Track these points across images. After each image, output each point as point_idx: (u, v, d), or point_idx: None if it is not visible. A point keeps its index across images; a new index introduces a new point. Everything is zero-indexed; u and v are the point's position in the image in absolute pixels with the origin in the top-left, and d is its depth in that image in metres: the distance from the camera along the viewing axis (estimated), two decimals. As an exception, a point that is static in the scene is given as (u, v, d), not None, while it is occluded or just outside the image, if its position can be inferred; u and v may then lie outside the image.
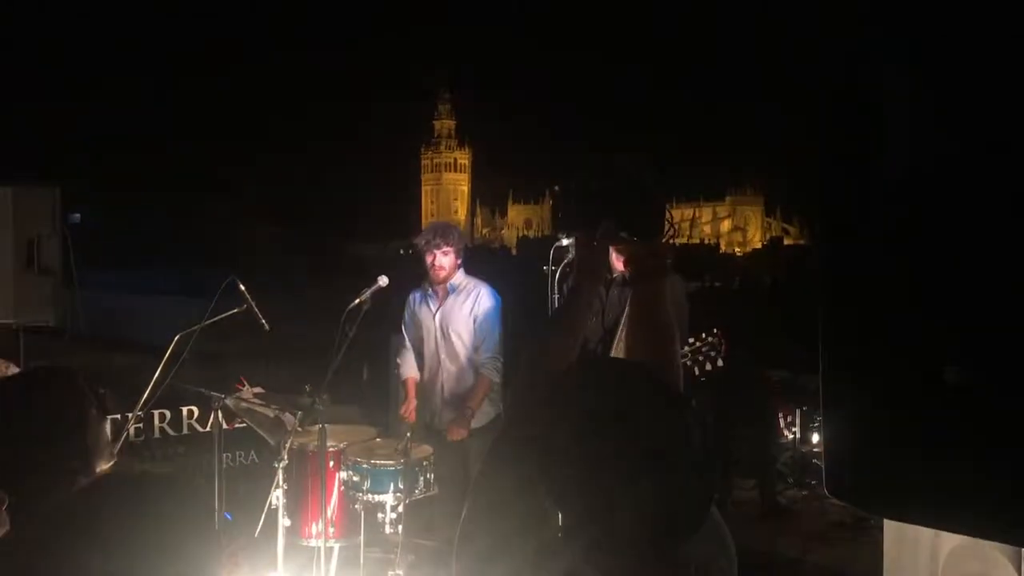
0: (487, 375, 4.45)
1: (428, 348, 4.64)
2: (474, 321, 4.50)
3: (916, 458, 1.35)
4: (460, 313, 4.53)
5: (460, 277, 4.58)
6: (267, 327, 4.32)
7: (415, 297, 4.76)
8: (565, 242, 3.44)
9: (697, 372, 3.18)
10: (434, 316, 4.60)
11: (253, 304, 4.28)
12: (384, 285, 4.31)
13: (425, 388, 4.72)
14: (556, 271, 3.43)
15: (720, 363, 3.15)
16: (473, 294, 4.54)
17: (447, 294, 4.57)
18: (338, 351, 4.10)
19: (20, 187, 4.58)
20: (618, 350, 3.51)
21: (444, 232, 4.53)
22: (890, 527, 4.19)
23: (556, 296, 3.42)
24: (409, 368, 4.83)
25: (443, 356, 4.57)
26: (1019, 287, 1.26)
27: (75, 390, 2.02)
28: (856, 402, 1.39)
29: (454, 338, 4.53)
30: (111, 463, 2.05)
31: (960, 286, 1.27)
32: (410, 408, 4.74)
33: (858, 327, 1.37)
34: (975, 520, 1.32)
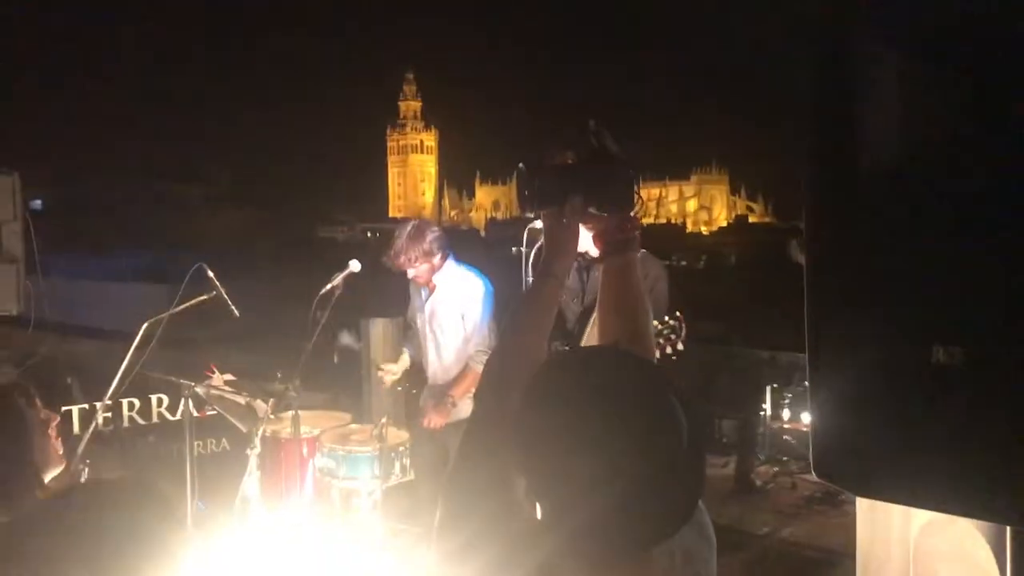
0: (474, 367, 4.36)
1: (421, 338, 4.58)
2: (462, 316, 4.39)
3: (901, 437, 1.35)
4: (448, 306, 4.42)
5: (449, 269, 4.42)
6: (236, 313, 4.25)
7: (413, 286, 4.63)
8: (539, 225, 3.41)
9: (658, 355, 3.16)
10: (423, 306, 4.51)
11: (222, 290, 4.21)
12: (356, 270, 4.26)
13: (420, 376, 4.66)
14: (530, 253, 3.38)
15: (680, 346, 3.11)
16: (461, 287, 4.41)
17: (435, 287, 4.46)
18: (310, 336, 4.06)
19: (-22, 174, 4.47)
20: (593, 332, 3.51)
21: (406, 249, 4.30)
22: (862, 501, 4.25)
23: (530, 279, 3.38)
24: (410, 349, 4.74)
25: (430, 347, 4.49)
26: (1004, 273, 1.26)
27: (11, 409, 2.00)
28: (842, 384, 1.39)
29: (439, 331, 4.45)
30: (61, 467, 2.04)
31: (947, 270, 1.27)
32: (387, 370, 4.62)
33: (844, 308, 1.37)
34: (958, 498, 1.32)
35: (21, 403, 2.02)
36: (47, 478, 2.03)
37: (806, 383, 5.01)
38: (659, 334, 3.14)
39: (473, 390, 4.30)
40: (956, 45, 1.27)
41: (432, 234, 4.38)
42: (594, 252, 3.54)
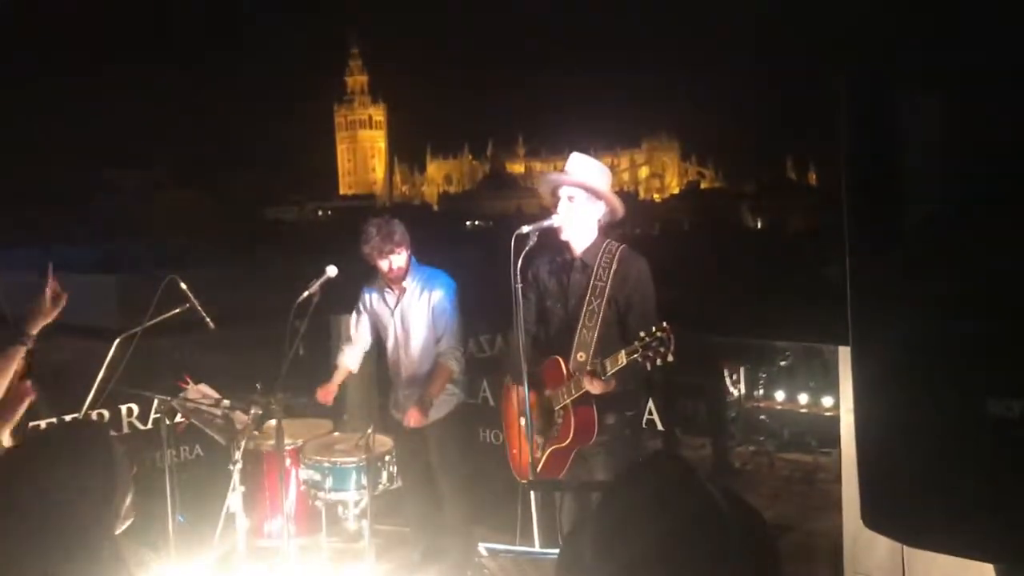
0: (446, 363, 4.35)
1: (389, 343, 4.52)
2: (432, 313, 4.38)
3: (955, 491, 1.32)
4: (417, 307, 4.41)
5: (415, 271, 4.45)
6: (212, 325, 4.15)
7: (370, 295, 4.58)
8: (526, 229, 3.35)
9: (649, 367, 3.11)
10: (392, 312, 4.47)
11: (196, 302, 4.10)
12: (332, 276, 4.16)
13: (389, 379, 4.62)
14: (518, 259, 3.31)
15: (670, 358, 3.06)
16: (428, 287, 4.41)
17: (404, 290, 4.44)
18: (289, 347, 3.96)
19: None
20: (581, 336, 3.46)
21: (391, 235, 4.31)
22: (848, 482, 4.29)
23: (519, 286, 3.33)
24: (346, 359, 4.71)
25: (402, 351, 4.46)
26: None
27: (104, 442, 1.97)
28: (893, 435, 1.36)
29: (413, 332, 4.42)
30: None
31: (1002, 323, 1.24)
32: (328, 391, 4.60)
33: (897, 362, 1.33)
34: (1013, 552, 1.30)
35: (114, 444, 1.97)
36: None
37: (782, 363, 5.03)
38: (647, 347, 3.08)
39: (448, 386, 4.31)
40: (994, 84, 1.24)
41: (400, 227, 4.40)
42: (577, 248, 3.52)
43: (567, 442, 3.45)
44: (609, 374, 3.22)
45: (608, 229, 3.64)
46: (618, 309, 3.47)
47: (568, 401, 3.42)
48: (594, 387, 3.28)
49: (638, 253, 3.59)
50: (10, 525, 1.77)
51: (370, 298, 4.59)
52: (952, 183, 1.30)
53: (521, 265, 3.31)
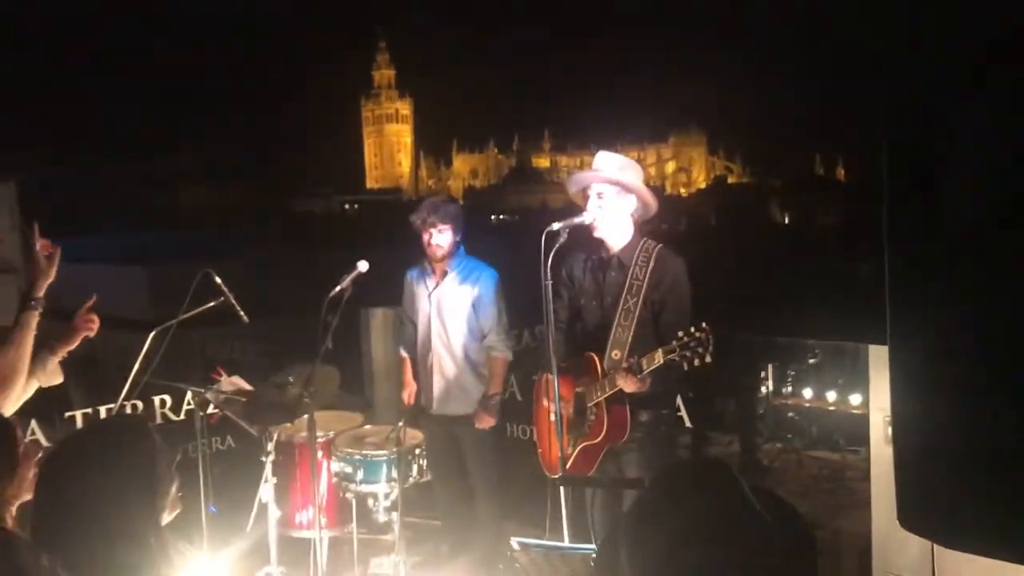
0: (500, 354, 4.33)
1: (421, 329, 4.49)
2: (473, 308, 4.34)
3: (994, 491, 1.32)
4: (457, 297, 4.36)
5: (460, 257, 4.38)
6: (246, 319, 4.19)
7: (412, 274, 4.57)
8: (557, 226, 3.37)
9: (686, 367, 3.12)
10: (429, 296, 4.43)
11: (230, 295, 4.15)
12: (363, 271, 4.19)
13: (418, 369, 4.59)
14: (548, 256, 3.32)
15: (708, 359, 3.07)
16: (471, 278, 4.35)
17: (445, 274, 4.40)
18: (321, 341, 4.00)
19: (-26, 183, 4.37)
20: (616, 334, 3.47)
21: (439, 209, 4.30)
22: (876, 480, 4.27)
23: (550, 282, 3.34)
24: (406, 348, 4.70)
25: (435, 339, 4.43)
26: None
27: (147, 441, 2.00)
28: (930, 434, 1.36)
29: (448, 321, 4.38)
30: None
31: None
32: (409, 392, 4.64)
33: (935, 360, 1.34)
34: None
35: (155, 438, 2.00)
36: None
37: (810, 360, 5.00)
38: (685, 346, 3.08)
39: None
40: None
41: (452, 207, 4.39)
42: (613, 246, 3.53)
43: (599, 439, 3.46)
44: (645, 373, 3.23)
45: (643, 226, 3.64)
46: (654, 308, 3.46)
47: (602, 398, 3.43)
48: (629, 385, 3.29)
49: (674, 252, 3.58)
50: (58, 520, 1.81)
51: (411, 278, 4.57)
52: (998, 183, 1.30)
53: (552, 262, 3.32)
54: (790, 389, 6.81)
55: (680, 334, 3.08)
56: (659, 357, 3.15)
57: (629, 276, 3.49)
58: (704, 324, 3.08)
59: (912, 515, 1.41)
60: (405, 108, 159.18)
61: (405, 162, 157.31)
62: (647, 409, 3.47)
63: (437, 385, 4.44)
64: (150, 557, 1.84)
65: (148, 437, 2.02)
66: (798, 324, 7.76)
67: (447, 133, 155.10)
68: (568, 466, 3.48)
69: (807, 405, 6.66)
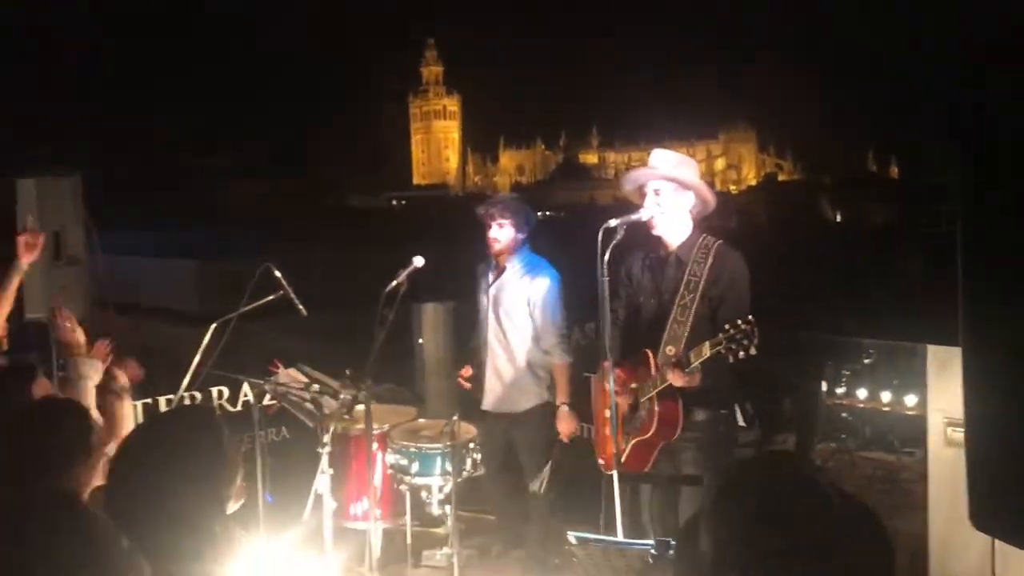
0: (559, 360, 4.33)
1: (480, 323, 4.54)
2: (529, 305, 4.34)
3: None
4: (514, 294, 4.37)
5: (523, 255, 4.39)
6: (304, 312, 4.27)
7: (480, 268, 4.61)
8: (614, 223, 3.37)
9: (732, 360, 3.11)
10: (488, 290, 4.46)
11: (289, 289, 4.23)
12: (419, 266, 4.23)
13: (478, 365, 4.60)
14: (605, 252, 3.33)
15: (753, 351, 3.05)
16: (529, 276, 4.35)
17: (504, 270, 4.41)
18: (378, 335, 4.05)
19: (43, 178, 4.49)
20: (672, 330, 3.47)
21: (501, 203, 4.36)
22: (934, 483, 4.22)
23: (605, 280, 3.34)
24: (476, 339, 4.70)
25: (491, 335, 4.45)
26: None
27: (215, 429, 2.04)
28: (1005, 435, 1.35)
29: (504, 317, 4.39)
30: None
31: None
32: (466, 373, 4.64)
33: (1011, 360, 1.33)
34: None
35: (225, 427, 2.04)
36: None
37: (865, 360, 4.95)
38: (731, 339, 3.07)
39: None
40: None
41: (515, 204, 4.43)
42: (672, 243, 3.52)
43: (649, 435, 3.46)
44: (693, 366, 3.22)
45: (701, 222, 3.62)
46: (711, 304, 3.45)
47: (653, 393, 3.43)
48: (677, 379, 3.28)
49: (735, 250, 3.56)
50: (130, 505, 1.87)
51: (478, 271, 4.62)
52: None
53: (610, 260, 3.32)
54: (844, 389, 6.73)
55: (727, 327, 3.08)
56: (706, 350, 3.16)
57: (687, 272, 3.48)
58: (751, 316, 3.07)
59: (985, 515, 1.40)
60: (453, 104, 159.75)
61: (452, 158, 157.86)
62: (705, 408, 3.46)
63: (491, 382, 4.45)
64: (214, 544, 1.89)
65: (218, 426, 2.07)
66: (852, 323, 7.65)
67: (494, 129, 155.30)
68: (622, 462, 3.48)
69: (861, 406, 6.57)
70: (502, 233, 4.33)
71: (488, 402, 4.49)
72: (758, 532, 1.15)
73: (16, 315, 4.35)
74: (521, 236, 4.36)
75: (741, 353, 3.06)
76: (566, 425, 4.30)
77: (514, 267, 4.39)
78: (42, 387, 2.70)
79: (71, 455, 2.16)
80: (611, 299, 3.46)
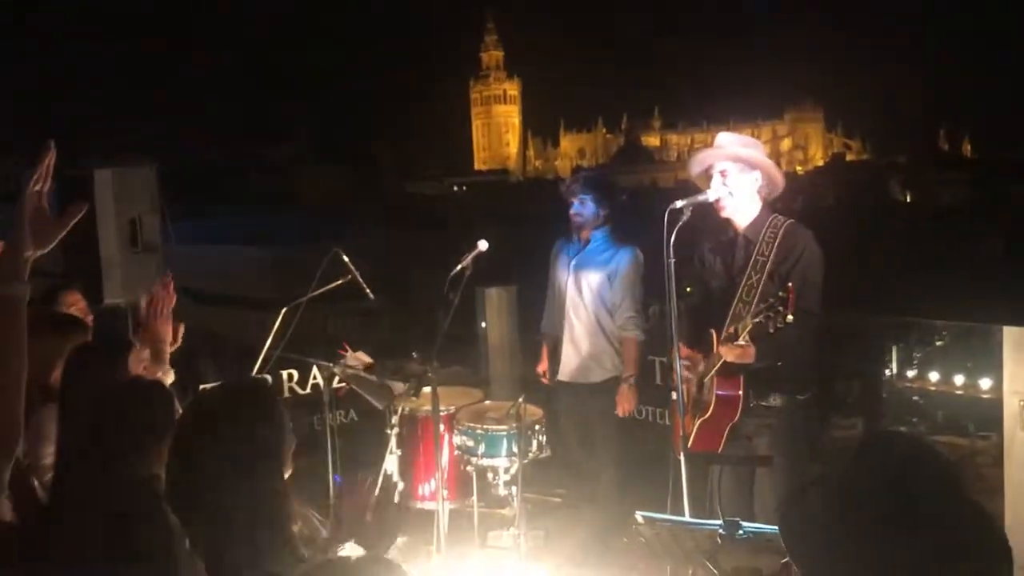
0: (631, 335, 4.37)
1: (559, 299, 4.59)
2: (609, 280, 4.38)
3: None
4: (594, 268, 4.42)
5: (605, 231, 4.44)
6: (371, 296, 4.34)
7: (558, 245, 4.66)
8: (680, 204, 3.34)
9: (772, 329, 3.08)
10: (569, 265, 4.51)
11: (356, 274, 4.31)
12: (484, 249, 4.27)
13: (556, 340, 4.66)
14: (671, 234, 3.31)
15: (789, 318, 3.02)
16: (610, 252, 4.41)
17: (587, 244, 4.47)
18: (443, 318, 4.11)
19: (120, 168, 4.64)
20: (736, 309, 3.46)
21: (583, 179, 4.46)
22: (1010, 466, 4.12)
23: (672, 261, 3.32)
24: (545, 324, 4.79)
25: (569, 307, 4.49)
26: None
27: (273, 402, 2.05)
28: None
29: (584, 290, 4.44)
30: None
31: None
32: (542, 368, 4.73)
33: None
34: None
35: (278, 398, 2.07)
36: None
37: (937, 342, 4.85)
38: (769, 307, 3.05)
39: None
40: None
41: (605, 182, 4.56)
42: (740, 224, 3.49)
43: (708, 415, 3.45)
44: (740, 339, 3.20)
45: (771, 203, 3.58)
46: (780, 283, 3.41)
47: (712, 372, 3.43)
48: (728, 353, 3.27)
49: (806, 229, 3.50)
50: (199, 476, 1.89)
51: (556, 248, 4.67)
52: None
53: (681, 247, 3.30)
54: (915, 372, 6.60)
55: (769, 298, 3.06)
56: (749, 321, 3.16)
57: (755, 252, 3.46)
58: (790, 284, 3.05)
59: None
60: (513, 89, 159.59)
61: (513, 143, 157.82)
62: (781, 393, 3.42)
63: (568, 353, 4.52)
64: (271, 512, 1.88)
65: (274, 397, 2.09)
66: (923, 305, 7.49)
67: (555, 113, 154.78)
68: (690, 444, 3.47)
69: (933, 389, 6.44)
70: (584, 208, 4.40)
71: (564, 372, 4.56)
72: (887, 503, 1.14)
73: (96, 301, 4.52)
74: (603, 212, 4.42)
75: (778, 321, 3.03)
76: (625, 401, 4.35)
77: (596, 241, 4.45)
78: (136, 361, 2.67)
79: (156, 438, 2.16)
80: (683, 284, 3.46)
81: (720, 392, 3.42)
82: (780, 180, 3.56)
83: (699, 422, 3.51)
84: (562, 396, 4.57)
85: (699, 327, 3.56)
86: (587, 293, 4.44)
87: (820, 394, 5.46)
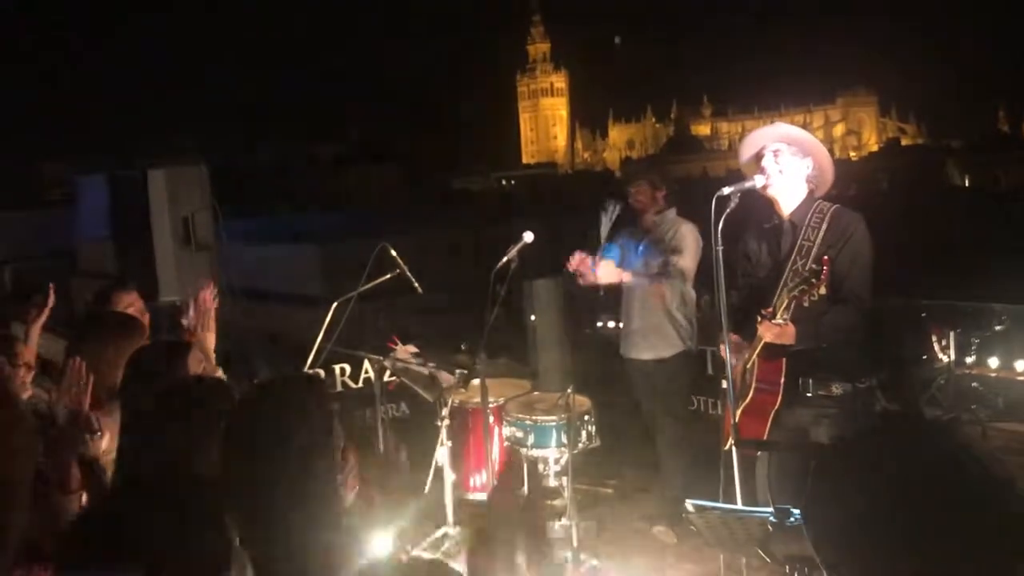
0: (659, 281, 4.49)
1: (626, 288, 4.69)
2: (670, 254, 4.51)
3: None
4: (657, 244, 4.57)
5: (666, 214, 4.61)
6: (420, 290, 4.37)
7: (628, 230, 4.84)
8: (727, 191, 3.30)
9: (806, 303, 3.10)
10: (638, 256, 4.64)
11: (405, 268, 4.34)
12: (529, 241, 4.26)
13: (624, 325, 4.81)
14: (718, 221, 3.27)
15: (823, 291, 3.04)
16: (672, 229, 4.56)
17: (648, 231, 4.64)
18: (490, 310, 4.12)
19: (172, 168, 4.73)
20: (780, 295, 3.40)
21: (634, 171, 4.88)
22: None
23: (719, 248, 3.28)
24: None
25: (642, 301, 4.61)
26: None
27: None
28: None
29: (647, 268, 4.57)
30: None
31: None
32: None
33: None
34: None
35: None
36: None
37: (996, 327, 4.73)
38: (803, 281, 3.05)
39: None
40: None
41: (653, 166, 4.84)
42: (786, 210, 3.45)
43: (749, 399, 3.44)
44: (779, 316, 3.18)
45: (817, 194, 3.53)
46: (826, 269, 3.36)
47: (753, 355, 3.41)
48: (768, 333, 3.26)
49: (854, 213, 3.43)
50: (253, 471, 1.89)
51: (625, 232, 4.85)
52: None
53: (728, 237, 3.26)
54: (974, 358, 6.45)
55: (804, 273, 3.07)
56: (784, 297, 3.15)
57: (800, 238, 3.41)
58: (825, 256, 3.07)
59: None
60: (560, 81, 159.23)
61: (561, 135, 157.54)
62: (841, 381, 3.35)
63: (634, 328, 4.65)
64: (331, 509, 1.87)
65: (328, 394, 2.09)
66: (982, 290, 7.31)
67: (603, 104, 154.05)
68: (740, 430, 3.43)
69: (993, 375, 6.30)
70: (640, 194, 4.61)
71: (630, 349, 4.70)
72: (905, 490, 1.12)
73: (151, 299, 4.62)
74: (660, 193, 4.62)
75: (812, 294, 3.04)
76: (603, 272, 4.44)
77: (658, 228, 4.61)
78: (195, 360, 2.71)
79: (211, 437, 2.14)
80: (730, 276, 3.44)
81: (761, 376, 3.41)
82: (830, 174, 3.49)
83: (741, 407, 3.48)
84: (630, 373, 4.76)
85: (749, 317, 3.51)
86: (650, 271, 4.57)
87: (883, 382, 5.40)
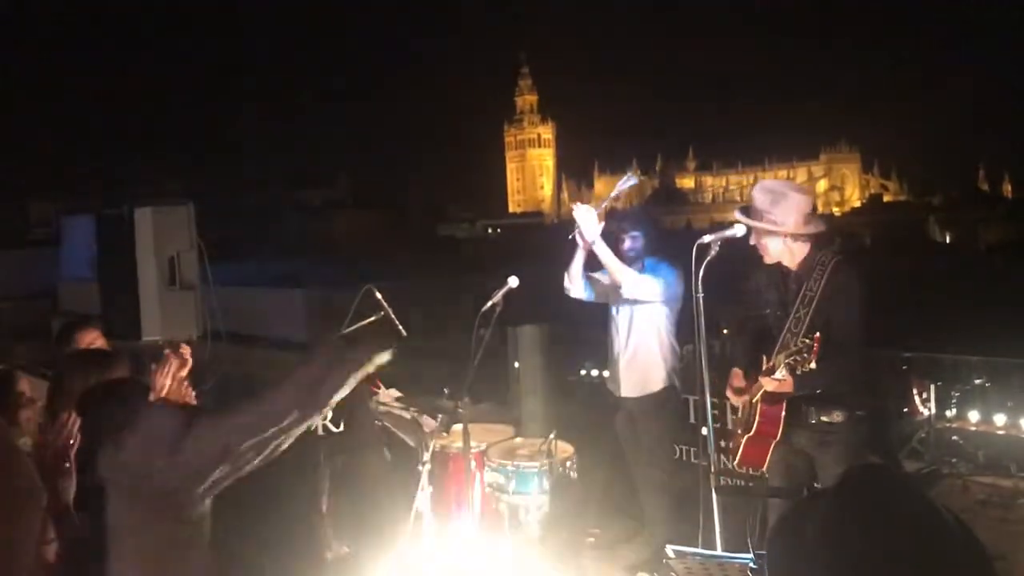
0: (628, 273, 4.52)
1: (615, 323, 4.77)
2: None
3: None
4: (632, 265, 4.62)
5: (650, 259, 4.68)
6: (404, 333, 4.37)
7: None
8: (708, 239, 3.38)
9: (798, 372, 3.23)
10: (623, 300, 4.69)
11: (390, 311, 4.34)
12: (514, 286, 4.29)
13: (610, 361, 4.88)
14: (699, 270, 3.36)
15: (812, 365, 3.17)
16: (656, 272, 4.63)
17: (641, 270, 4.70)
18: (475, 354, 4.12)
19: (158, 207, 4.75)
20: (784, 340, 3.50)
21: (631, 217, 4.83)
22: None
23: (700, 296, 3.35)
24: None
25: (623, 323, 4.69)
26: None
27: None
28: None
29: (635, 310, 4.65)
30: None
31: None
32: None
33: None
34: None
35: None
36: None
37: (976, 380, 4.79)
38: (797, 352, 3.19)
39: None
40: None
41: (637, 215, 5.12)
42: (791, 265, 3.55)
43: (753, 431, 3.62)
44: (778, 373, 3.33)
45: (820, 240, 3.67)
46: (823, 319, 3.51)
47: (756, 397, 3.58)
48: (767, 384, 3.44)
49: (851, 266, 3.61)
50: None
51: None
52: None
53: (702, 275, 3.34)
54: (954, 411, 6.47)
55: (799, 341, 3.24)
56: (781, 361, 3.31)
57: (803, 288, 3.57)
58: (817, 334, 3.19)
59: None
60: (547, 132, 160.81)
61: (547, 186, 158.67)
62: (840, 409, 3.52)
63: (622, 367, 4.73)
64: (315, 539, 1.92)
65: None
66: (962, 344, 7.37)
67: (589, 155, 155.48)
68: (738, 459, 3.66)
69: (973, 428, 6.32)
70: (631, 243, 4.65)
71: (619, 386, 4.75)
72: (868, 539, 1.13)
73: (134, 338, 4.61)
74: (651, 244, 4.71)
75: (805, 366, 3.19)
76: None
77: (644, 272, 4.65)
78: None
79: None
80: (743, 314, 3.70)
81: (763, 411, 3.59)
82: (814, 227, 3.58)
83: (746, 438, 3.68)
84: (620, 411, 4.80)
85: (758, 352, 3.69)
86: (637, 313, 4.66)
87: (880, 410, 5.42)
